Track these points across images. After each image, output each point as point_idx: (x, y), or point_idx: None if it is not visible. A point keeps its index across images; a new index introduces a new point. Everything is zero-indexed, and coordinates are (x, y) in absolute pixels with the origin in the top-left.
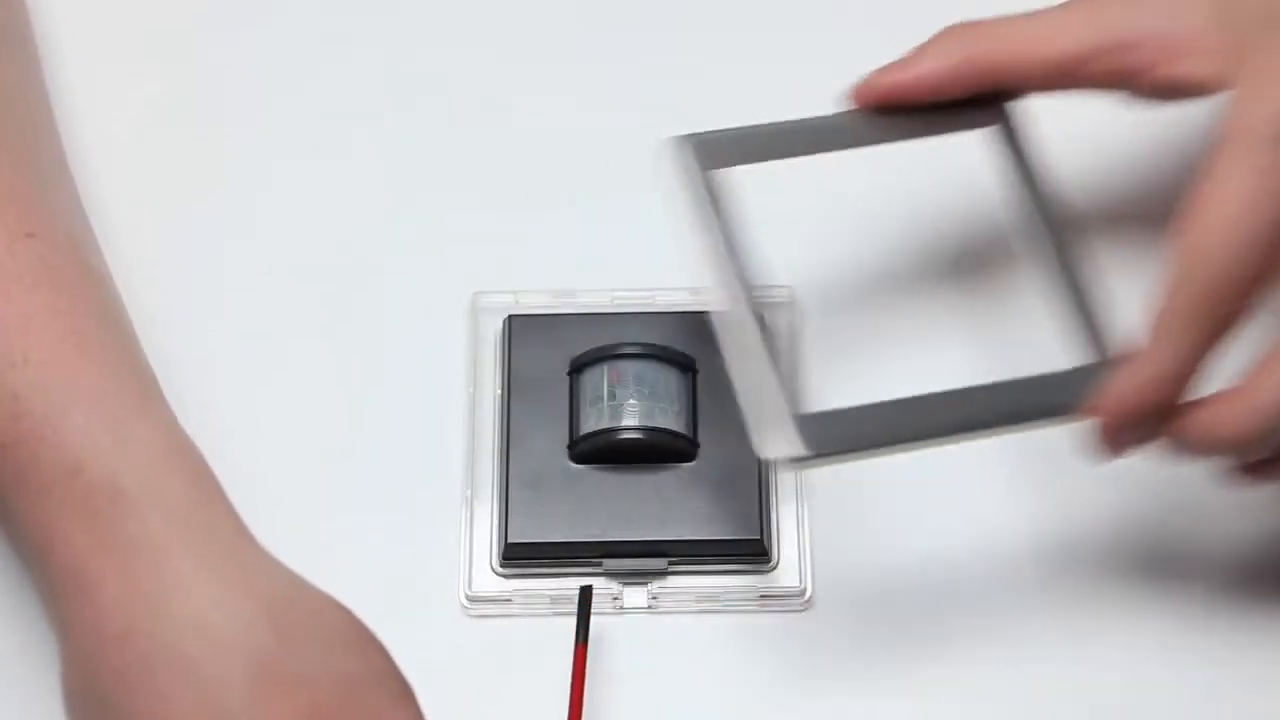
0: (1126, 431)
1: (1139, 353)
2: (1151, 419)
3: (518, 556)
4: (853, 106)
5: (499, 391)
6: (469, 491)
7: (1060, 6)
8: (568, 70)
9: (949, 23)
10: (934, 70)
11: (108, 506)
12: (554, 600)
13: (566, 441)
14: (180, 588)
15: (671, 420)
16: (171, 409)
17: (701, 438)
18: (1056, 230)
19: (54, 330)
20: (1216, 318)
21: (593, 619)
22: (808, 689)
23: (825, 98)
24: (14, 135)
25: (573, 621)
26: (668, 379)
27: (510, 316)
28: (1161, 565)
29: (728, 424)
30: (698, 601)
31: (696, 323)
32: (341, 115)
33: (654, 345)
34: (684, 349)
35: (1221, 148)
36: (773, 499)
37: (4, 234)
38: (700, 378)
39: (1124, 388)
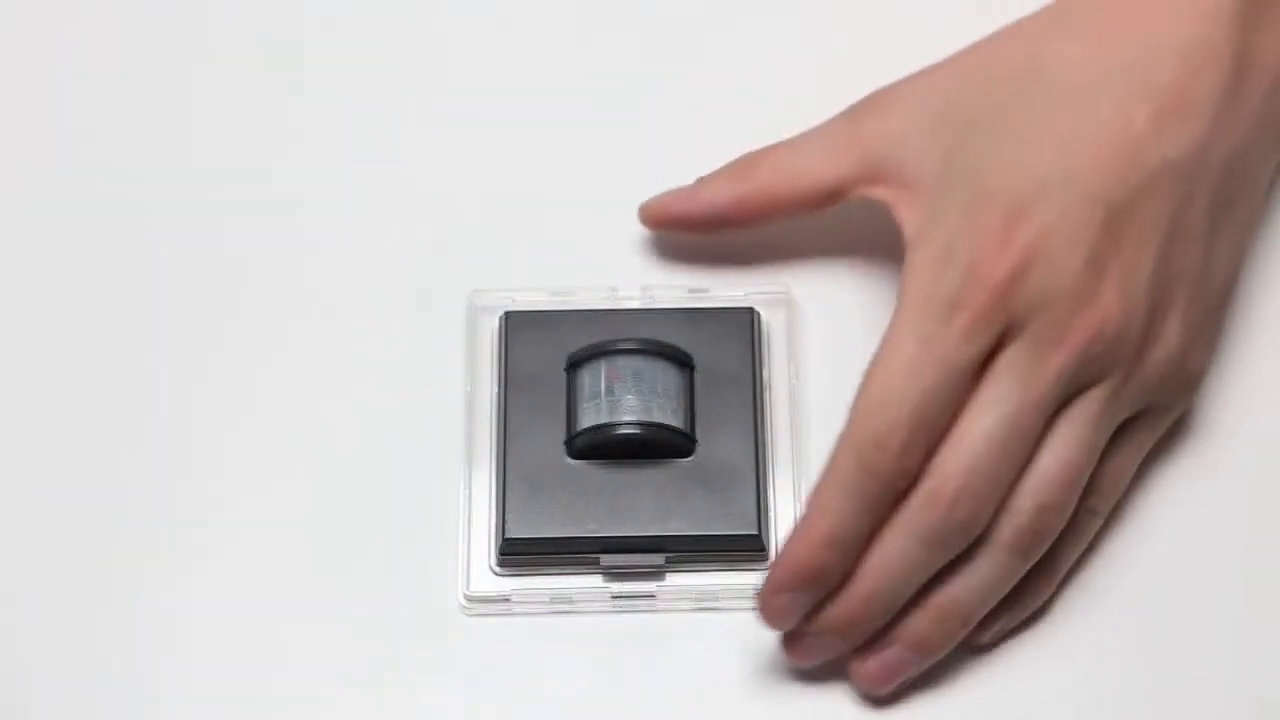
0: (784, 595)
1: (803, 516)
2: (812, 585)
3: (515, 552)
4: (642, 222)
5: (496, 388)
6: (467, 490)
7: (827, 131)
8: (566, 68)
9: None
10: (713, 205)
11: None
12: (552, 599)
13: (564, 438)
14: None
15: (669, 416)
16: None
17: (699, 434)
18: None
19: None
20: (874, 483)
21: (588, 617)
22: (806, 687)
23: (822, 96)
24: None
25: (571, 621)
26: (665, 375)
27: (507, 313)
28: (1158, 567)
29: (725, 420)
30: (696, 599)
31: (694, 319)
32: (339, 113)
33: (651, 341)
34: (681, 345)
35: (896, 314)
36: (771, 495)
37: None
38: (698, 374)
39: (787, 551)
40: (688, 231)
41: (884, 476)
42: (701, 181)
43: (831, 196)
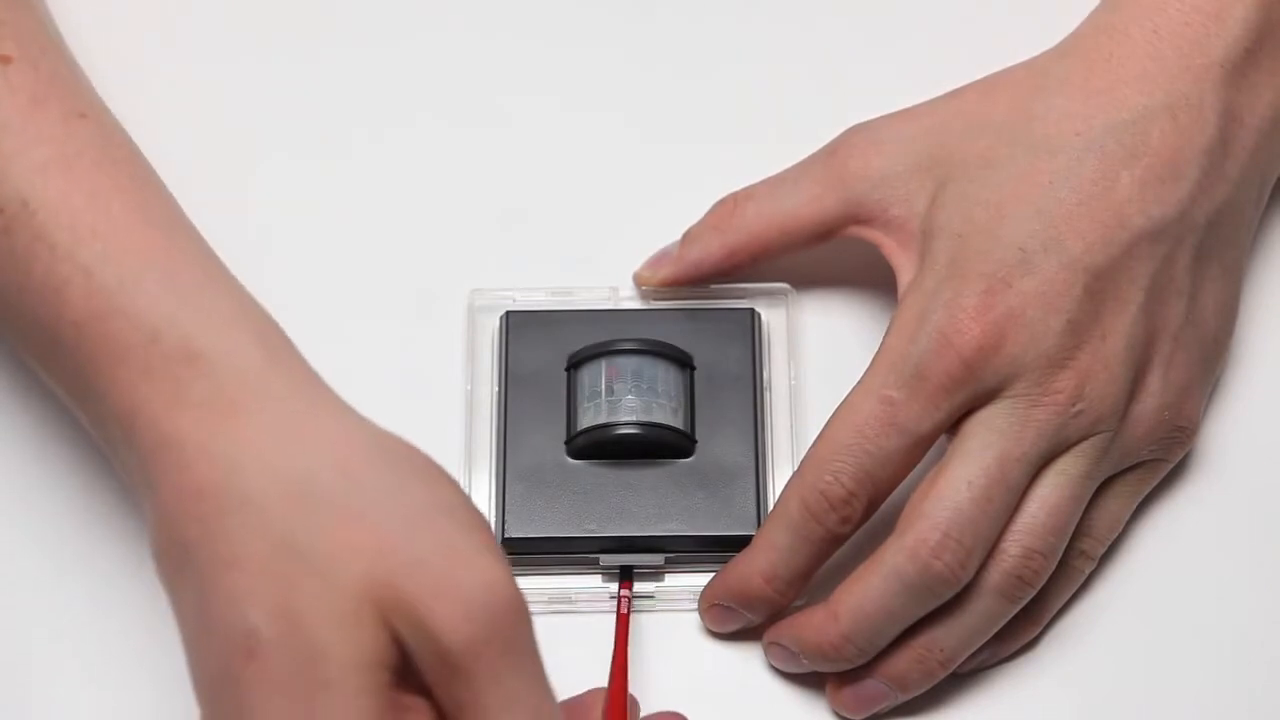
0: (719, 608)
1: (751, 543)
2: (748, 608)
3: (515, 552)
4: (638, 288)
5: (496, 388)
6: (467, 489)
7: (808, 169)
8: (566, 68)
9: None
10: (703, 264)
11: (184, 369)
12: (552, 599)
13: (564, 437)
14: (250, 441)
15: (669, 416)
16: (233, 273)
17: (699, 434)
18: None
19: (120, 204)
20: (817, 527)
21: (587, 617)
22: (806, 688)
23: (820, 95)
24: (54, 36)
25: (570, 620)
26: (665, 375)
27: (508, 313)
28: (1156, 568)
29: (725, 420)
30: (696, 599)
31: (694, 319)
32: (340, 113)
33: (652, 341)
34: (682, 345)
35: (869, 366)
36: (771, 495)
37: (59, 113)
38: (698, 374)
39: (729, 572)
40: (679, 286)
41: (826, 523)
42: (688, 238)
43: (820, 237)
